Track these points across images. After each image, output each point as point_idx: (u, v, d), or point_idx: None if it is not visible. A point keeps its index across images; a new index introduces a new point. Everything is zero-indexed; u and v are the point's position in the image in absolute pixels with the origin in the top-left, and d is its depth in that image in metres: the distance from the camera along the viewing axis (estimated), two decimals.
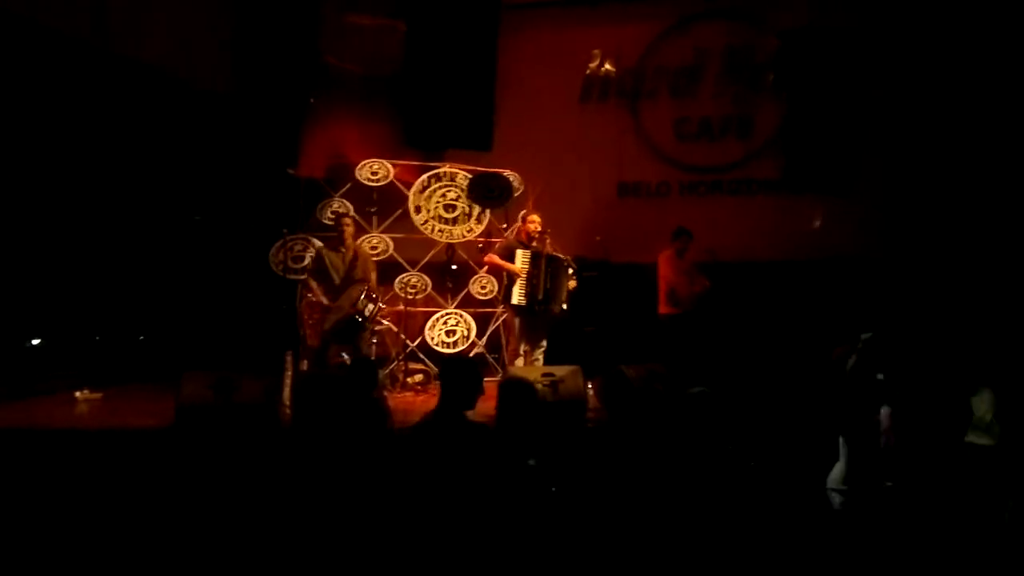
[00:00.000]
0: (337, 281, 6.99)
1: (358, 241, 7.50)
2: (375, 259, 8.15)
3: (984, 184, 8.10)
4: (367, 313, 6.86)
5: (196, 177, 8.55)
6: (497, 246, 7.45)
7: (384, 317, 7.98)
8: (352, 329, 6.90)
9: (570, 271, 6.97)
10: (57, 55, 6.95)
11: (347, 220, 7.24)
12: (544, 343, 7.07)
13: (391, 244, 8.24)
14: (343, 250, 7.13)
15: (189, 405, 5.50)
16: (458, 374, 3.72)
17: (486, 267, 8.06)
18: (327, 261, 7.05)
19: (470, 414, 3.69)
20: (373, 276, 7.26)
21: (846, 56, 8.32)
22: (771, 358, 7.68)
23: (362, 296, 6.83)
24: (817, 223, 8.76)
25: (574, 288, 7.00)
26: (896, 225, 8.55)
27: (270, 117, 8.72)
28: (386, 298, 8.12)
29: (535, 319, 6.95)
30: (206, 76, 8.60)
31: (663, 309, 7.91)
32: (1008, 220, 7.87)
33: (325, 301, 6.92)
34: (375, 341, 7.77)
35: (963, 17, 8.21)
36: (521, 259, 6.88)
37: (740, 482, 3.62)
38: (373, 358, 7.42)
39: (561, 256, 6.97)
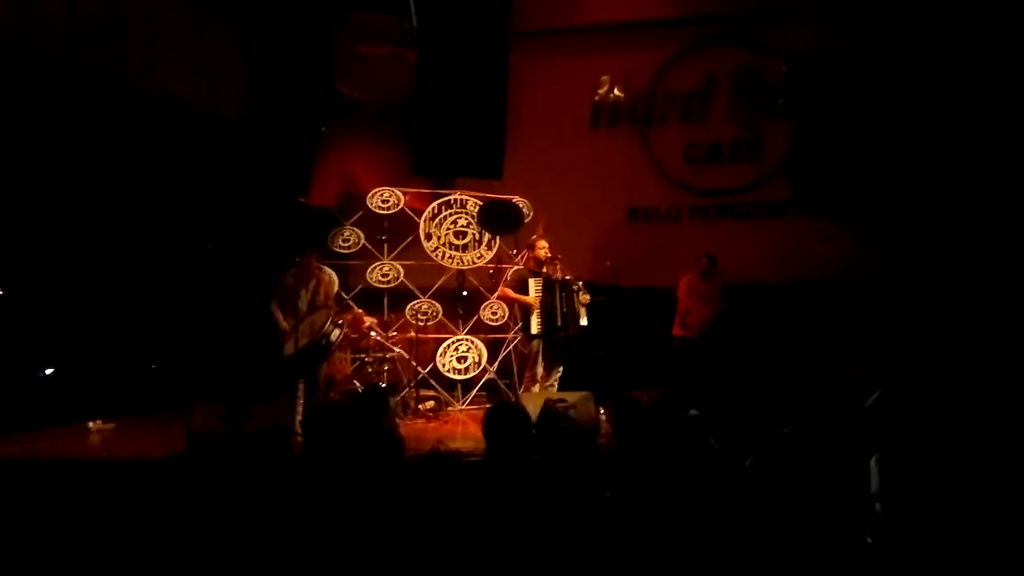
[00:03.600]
0: (303, 308, 6.80)
1: (321, 269, 7.29)
2: (386, 287, 8.20)
3: (993, 206, 8.06)
4: (332, 338, 6.70)
5: (209, 205, 8.63)
6: (509, 278, 7.45)
7: (396, 344, 7.99)
8: (315, 356, 6.70)
9: (581, 284, 7.04)
10: (73, 88, 7.06)
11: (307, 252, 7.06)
12: (560, 369, 7.06)
13: (402, 271, 8.27)
14: (304, 277, 6.96)
15: (200, 435, 5.52)
16: None
17: (498, 296, 8.09)
18: (288, 287, 6.89)
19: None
20: (332, 303, 7.11)
21: (855, 81, 8.33)
22: (783, 381, 7.62)
23: (328, 322, 6.67)
24: (828, 246, 8.73)
25: (588, 302, 7.02)
26: (907, 248, 8.51)
27: (283, 146, 8.80)
28: (397, 325, 8.15)
29: (554, 344, 6.96)
30: (219, 105, 8.70)
31: (675, 331, 7.87)
32: (1018, 242, 7.82)
33: (286, 327, 6.73)
34: (387, 368, 7.78)
35: (969, 42, 8.21)
36: (534, 288, 6.89)
37: (750, 507, 3.58)
38: (384, 384, 7.45)
39: (572, 279, 7.00)
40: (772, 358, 8.12)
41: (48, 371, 7.29)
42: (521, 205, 8.31)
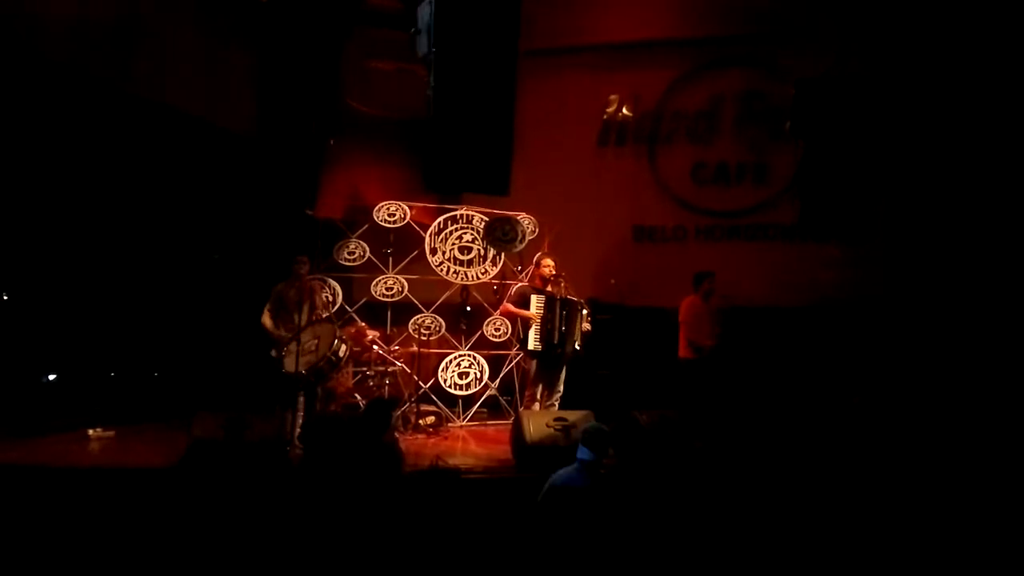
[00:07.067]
0: (297, 319, 6.74)
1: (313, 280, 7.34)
2: (390, 300, 8.20)
3: (1001, 229, 8.04)
4: (341, 354, 6.68)
5: (216, 216, 8.65)
6: (512, 293, 7.41)
7: (398, 358, 7.98)
8: (324, 372, 6.67)
9: (584, 312, 6.93)
10: (81, 96, 7.11)
11: (301, 259, 7.02)
12: (560, 389, 7.02)
13: (406, 285, 8.27)
14: (305, 290, 6.94)
15: (199, 443, 5.52)
16: None
17: (500, 311, 8.07)
18: (289, 300, 6.85)
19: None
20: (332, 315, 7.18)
21: (863, 104, 8.32)
22: (789, 403, 7.57)
23: (335, 339, 6.62)
24: (834, 269, 8.69)
25: (588, 331, 6.95)
26: (914, 271, 8.48)
27: (290, 158, 8.83)
28: (399, 339, 8.14)
29: (551, 362, 6.92)
30: (228, 118, 8.74)
31: (683, 353, 7.65)
32: None
33: (285, 334, 6.70)
34: (388, 382, 7.77)
35: (978, 65, 8.22)
36: (536, 304, 6.86)
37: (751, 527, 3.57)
38: (387, 398, 7.43)
39: (575, 299, 6.95)
40: (778, 381, 8.07)
41: (50, 377, 7.30)
42: (526, 222, 8.32)
